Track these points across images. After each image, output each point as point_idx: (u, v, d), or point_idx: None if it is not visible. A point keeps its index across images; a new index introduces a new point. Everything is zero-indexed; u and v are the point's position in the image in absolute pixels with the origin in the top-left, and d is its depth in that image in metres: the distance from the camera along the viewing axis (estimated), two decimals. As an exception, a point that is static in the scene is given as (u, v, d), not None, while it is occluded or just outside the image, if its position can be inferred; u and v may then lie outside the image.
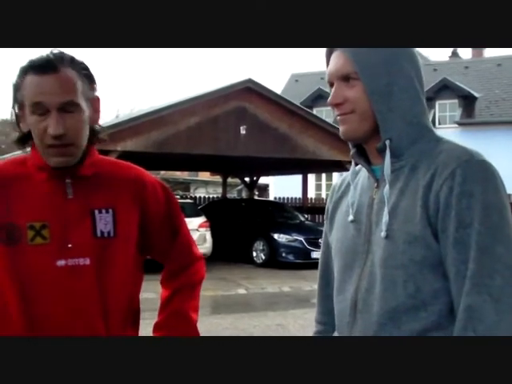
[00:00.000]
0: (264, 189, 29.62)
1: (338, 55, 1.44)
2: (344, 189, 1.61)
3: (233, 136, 13.76)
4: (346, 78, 1.44)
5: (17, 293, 1.60)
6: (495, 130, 22.80)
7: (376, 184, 1.47)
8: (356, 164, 1.54)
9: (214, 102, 13.50)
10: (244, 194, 27.92)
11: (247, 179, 22.68)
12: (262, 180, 24.36)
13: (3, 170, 1.70)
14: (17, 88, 1.64)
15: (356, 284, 1.44)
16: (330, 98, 1.46)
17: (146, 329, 1.96)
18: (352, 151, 1.52)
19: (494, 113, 24.78)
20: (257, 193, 25.86)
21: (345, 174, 1.63)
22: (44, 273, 1.61)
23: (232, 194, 30.86)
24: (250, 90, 13.87)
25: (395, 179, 1.41)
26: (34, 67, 1.60)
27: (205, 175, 33.53)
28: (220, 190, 25.70)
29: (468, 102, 25.13)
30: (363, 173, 1.54)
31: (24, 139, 1.70)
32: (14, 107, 1.67)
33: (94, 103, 1.70)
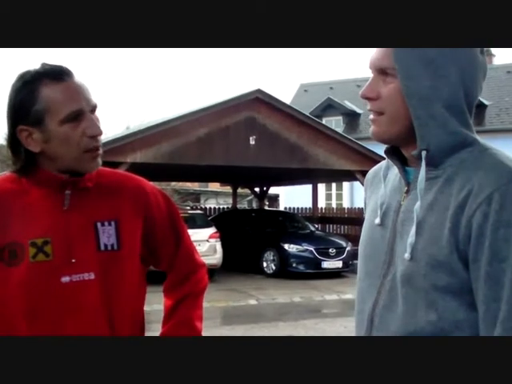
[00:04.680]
0: (274, 199, 29.57)
1: None
2: (376, 183, 1.46)
3: (242, 146, 13.76)
4: (383, 72, 1.27)
5: (23, 312, 1.56)
6: (505, 138, 22.61)
7: (406, 188, 1.33)
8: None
9: (223, 113, 13.53)
10: (254, 205, 27.88)
11: (257, 189, 22.68)
12: (272, 190, 24.33)
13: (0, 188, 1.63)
14: (29, 104, 1.54)
15: (374, 297, 1.33)
16: (363, 89, 1.31)
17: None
18: (386, 147, 1.38)
19: (504, 120, 24.66)
20: (267, 203, 25.79)
21: (379, 164, 1.49)
22: (49, 290, 1.57)
23: (242, 205, 30.83)
24: (259, 100, 13.88)
25: (427, 190, 1.27)
26: (52, 75, 1.54)
27: (215, 186, 33.56)
28: (230, 200, 25.71)
29: (478, 109, 24.94)
30: (395, 169, 1.38)
31: (28, 164, 1.58)
32: (15, 129, 1.56)
33: None
